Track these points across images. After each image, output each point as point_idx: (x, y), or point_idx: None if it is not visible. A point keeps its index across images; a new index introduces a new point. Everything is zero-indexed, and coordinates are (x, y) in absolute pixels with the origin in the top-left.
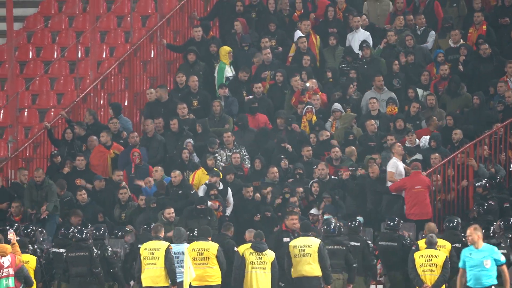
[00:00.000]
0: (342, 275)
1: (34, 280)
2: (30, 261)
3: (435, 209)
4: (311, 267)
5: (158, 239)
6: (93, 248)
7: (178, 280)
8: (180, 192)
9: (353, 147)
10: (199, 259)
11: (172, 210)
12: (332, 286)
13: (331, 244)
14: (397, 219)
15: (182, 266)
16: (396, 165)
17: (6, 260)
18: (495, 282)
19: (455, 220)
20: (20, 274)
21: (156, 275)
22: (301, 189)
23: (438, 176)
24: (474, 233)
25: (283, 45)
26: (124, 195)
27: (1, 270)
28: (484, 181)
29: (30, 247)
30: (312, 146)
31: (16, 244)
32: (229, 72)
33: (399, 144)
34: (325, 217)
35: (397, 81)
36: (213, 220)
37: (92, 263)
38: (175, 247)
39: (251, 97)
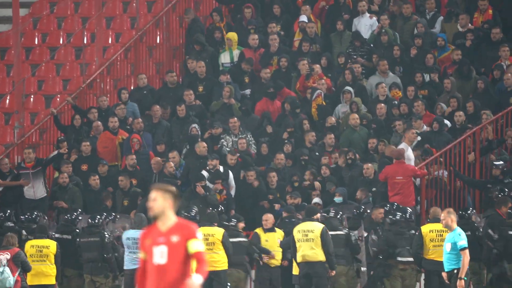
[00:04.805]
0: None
1: (54, 265)
2: (50, 246)
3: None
4: (314, 252)
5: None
6: (105, 233)
7: (131, 267)
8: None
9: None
10: (204, 245)
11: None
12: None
13: None
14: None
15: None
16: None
17: None
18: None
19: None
20: (17, 259)
21: None
22: (295, 177)
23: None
24: (448, 216)
25: (288, 31)
26: (121, 182)
27: None
28: (503, 162)
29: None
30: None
31: None
32: (224, 58)
33: (414, 130)
34: (335, 199)
35: (399, 69)
36: (212, 194)
37: (104, 248)
38: (133, 233)
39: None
